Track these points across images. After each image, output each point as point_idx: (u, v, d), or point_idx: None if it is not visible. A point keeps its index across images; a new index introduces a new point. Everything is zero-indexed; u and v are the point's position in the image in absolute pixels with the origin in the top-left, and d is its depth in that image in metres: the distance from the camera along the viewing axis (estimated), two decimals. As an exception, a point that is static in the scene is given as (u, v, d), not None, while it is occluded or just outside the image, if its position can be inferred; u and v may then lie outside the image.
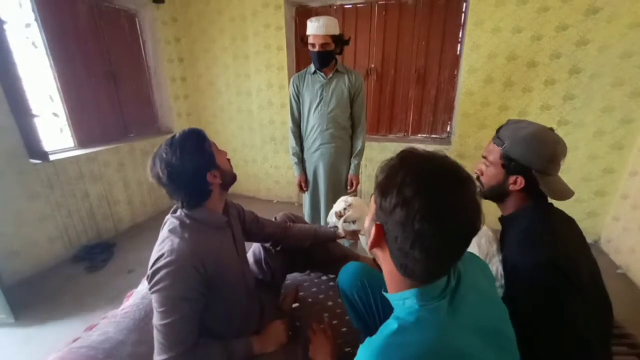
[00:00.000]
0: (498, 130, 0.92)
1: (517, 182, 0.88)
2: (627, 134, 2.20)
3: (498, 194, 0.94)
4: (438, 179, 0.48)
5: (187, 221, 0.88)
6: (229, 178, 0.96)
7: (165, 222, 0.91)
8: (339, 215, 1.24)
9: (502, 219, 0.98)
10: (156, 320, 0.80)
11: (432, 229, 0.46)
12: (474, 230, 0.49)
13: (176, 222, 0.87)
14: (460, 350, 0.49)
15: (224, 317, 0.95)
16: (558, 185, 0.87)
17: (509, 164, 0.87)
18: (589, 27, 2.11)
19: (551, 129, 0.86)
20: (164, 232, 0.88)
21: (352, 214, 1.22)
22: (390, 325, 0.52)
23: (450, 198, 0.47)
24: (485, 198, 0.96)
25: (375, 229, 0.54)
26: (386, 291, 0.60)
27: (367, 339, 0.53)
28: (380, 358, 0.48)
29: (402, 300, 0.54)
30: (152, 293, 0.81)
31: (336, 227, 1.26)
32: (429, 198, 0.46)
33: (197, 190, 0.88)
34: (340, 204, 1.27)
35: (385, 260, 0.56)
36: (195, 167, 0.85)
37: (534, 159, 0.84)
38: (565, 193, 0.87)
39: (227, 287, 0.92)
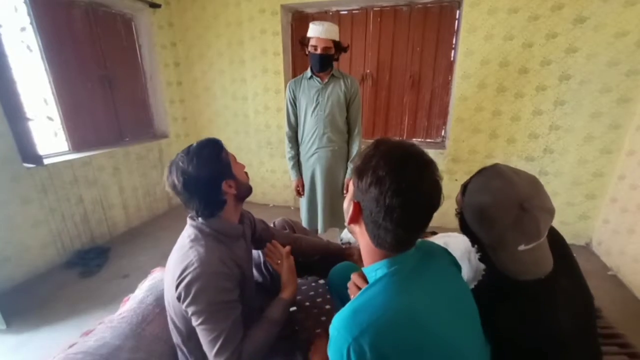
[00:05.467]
0: (475, 174, 0.72)
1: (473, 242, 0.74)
2: (616, 138, 2.26)
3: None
4: (406, 162, 0.56)
5: (207, 230, 0.88)
6: (245, 190, 0.96)
7: (185, 231, 0.91)
8: None
9: None
10: (207, 336, 0.81)
11: (400, 203, 0.54)
12: (433, 204, 0.57)
13: (196, 231, 0.88)
14: (413, 307, 0.56)
15: None
16: (514, 264, 0.66)
17: (463, 223, 0.73)
18: (577, 36, 2.18)
19: (521, 208, 0.61)
20: (184, 241, 0.88)
21: None
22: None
23: (415, 177, 0.55)
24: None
25: (353, 207, 0.61)
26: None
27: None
28: (349, 322, 0.54)
29: (375, 271, 0.62)
30: (192, 313, 0.81)
31: (349, 243, 1.24)
32: (397, 177, 0.55)
33: (212, 200, 0.88)
34: None
35: (361, 235, 0.64)
36: (211, 175, 0.85)
37: (480, 233, 0.69)
38: (527, 270, 0.66)
39: (242, 291, 0.93)
